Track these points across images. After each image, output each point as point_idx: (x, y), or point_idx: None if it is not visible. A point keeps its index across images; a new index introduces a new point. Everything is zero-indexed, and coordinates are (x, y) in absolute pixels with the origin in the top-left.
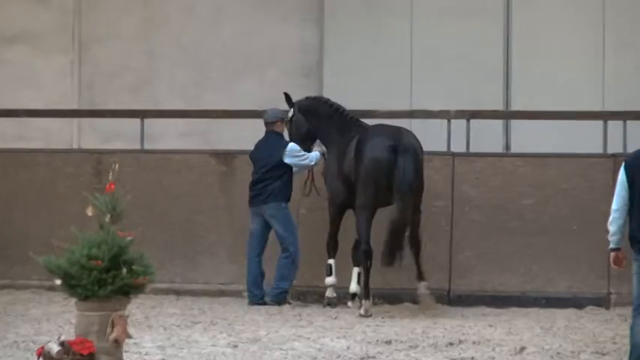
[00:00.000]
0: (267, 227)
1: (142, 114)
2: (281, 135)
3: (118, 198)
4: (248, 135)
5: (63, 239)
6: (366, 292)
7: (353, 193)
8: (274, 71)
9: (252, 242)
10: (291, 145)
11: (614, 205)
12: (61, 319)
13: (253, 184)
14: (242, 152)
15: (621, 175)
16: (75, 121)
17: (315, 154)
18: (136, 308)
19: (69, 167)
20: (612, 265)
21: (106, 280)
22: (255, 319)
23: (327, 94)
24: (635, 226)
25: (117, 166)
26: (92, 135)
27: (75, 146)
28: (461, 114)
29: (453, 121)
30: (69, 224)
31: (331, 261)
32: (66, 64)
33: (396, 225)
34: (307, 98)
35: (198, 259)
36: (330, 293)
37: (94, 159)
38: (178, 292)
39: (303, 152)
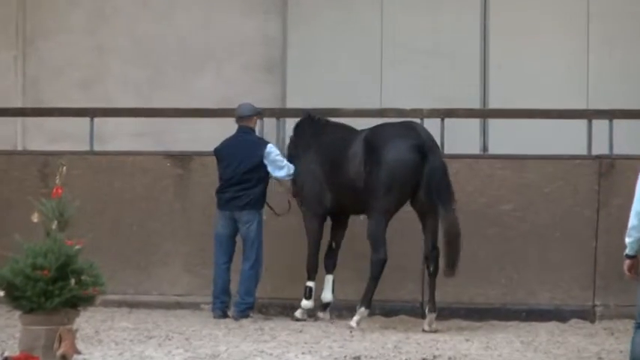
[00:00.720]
0: (236, 232)
1: (91, 113)
2: (255, 132)
3: (66, 203)
4: (205, 135)
5: (6, 248)
6: (367, 302)
7: (358, 199)
8: (234, 66)
9: (220, 248)
10: (271, 147)
11: (638, 208)
12: (3, 333)
13: (227, 185)
14: (199, 154)
15: None
16: (19, 120)
17: (291, 165)
18: (85, 322)
19: (13, 170)
20: (627, 273)
21: (53, 291)
22: (214, 334)
23: (291, 90)
24: None
25: (65, 168)
26: (38, 135)
27: (19, 147)
28: (435, 112)
29: (426, 120)
30: (12, 232)
31: (311, 283)
32: (9, 59)
33: (449, 232)
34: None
35: (153, 268)
36: (300, 315)
37: (40, 161)
38: (131, 305)
39: (282, 157)
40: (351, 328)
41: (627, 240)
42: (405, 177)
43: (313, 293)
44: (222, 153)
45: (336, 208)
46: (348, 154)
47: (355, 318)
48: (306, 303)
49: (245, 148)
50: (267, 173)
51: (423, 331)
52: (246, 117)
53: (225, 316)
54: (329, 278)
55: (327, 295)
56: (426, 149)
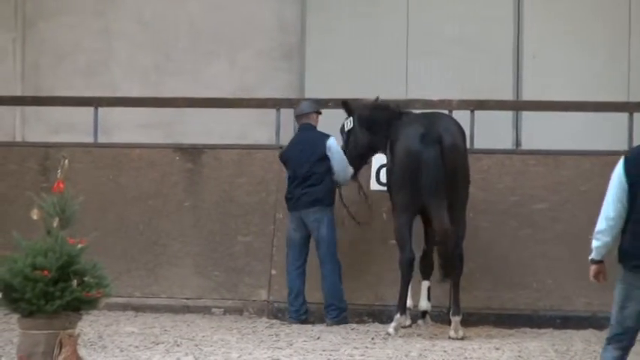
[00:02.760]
0: (308, 235)
1: (95, 102)
2: (316, 129)
3: (68, 199)
4: (218, 127)
5: (3, 246)
6: (401, 307)
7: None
8: (249, 53)
9: (293, 252)
10: (332, 140)
11: (609, 212)
12: (0, 338)
13: (294, 185)
14: (211, 147)
15: (619, 175)
16: (18, 109)
17: (350, 169)
18: (88, 326)
19: (11, 163)
20: (592, 279)
21: (54, 293)
22: (226, 340)
23: (310, 79)
24: (630, 239)
25: (67, 161)
26: (38, 126)
27: (18, 139)
28: (464, 104)
29: (455, 112)
30: (10, 229)
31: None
32: (7, 42)
33: (439, 234)
34: (366, 107)
35: (160, 270)
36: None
37: (40, 154)
38: (137, 308)
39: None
40: (388, 334)
41: (594, 244)
42: (413, 169)
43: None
44: (287, 155)
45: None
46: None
47: (392, 324)
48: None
49: (308, 145)
50: (331, 168)
51: (449, 338)
52: (306, 114)
53: (304, 322)
54: (425, 285)
55: (423, 304)
56: (426, 140)
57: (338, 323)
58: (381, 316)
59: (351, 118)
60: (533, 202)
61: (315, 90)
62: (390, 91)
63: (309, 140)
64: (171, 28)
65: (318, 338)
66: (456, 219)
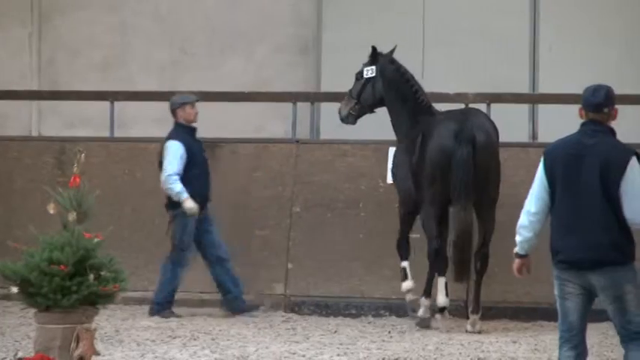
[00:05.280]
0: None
1: (111, 96)
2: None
3: (85, 193)
4: (234, 121)
5: (20, 240)
6: (427, 290)
7: (421, 190)
8: (265, 47)
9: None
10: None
11: (532, 208)
12: (17, 332)
13: None
14: (228, 141)
15: (540, 171)
16: (34, 103)
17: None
18: (104, 320)
19: (27, 157)
20: (516, 273)
21: (70, 287)
22: (243, 334)
23: (326, 72)
24: (557, 234)
25: (83, 156)
26: (54, 120)
27: (34, 133)
28: (480, 97)
29: (471, 105)
30: (27, 223)
31: (405, 263)
32: (23, 37)
33: (457, 236)
34: (393, 63)
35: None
36: (410, 297)
37: (56, 148)
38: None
39: None
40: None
41: (517, 238)
42: (444, 166)
43: (409, 273)
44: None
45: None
46: (415, 143)
47: (421, 309)
48: (405, 284)
49: None
50: None
51: (467, 331)
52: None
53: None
54: (442, 281)
55: (441, 300)
56: (459, 138)
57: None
58: (398, 310)
59: (374, 67)
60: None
61: (331, 84)
62: None
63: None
64: (187, 22)
65: (335, 332)
66: (485, 217)
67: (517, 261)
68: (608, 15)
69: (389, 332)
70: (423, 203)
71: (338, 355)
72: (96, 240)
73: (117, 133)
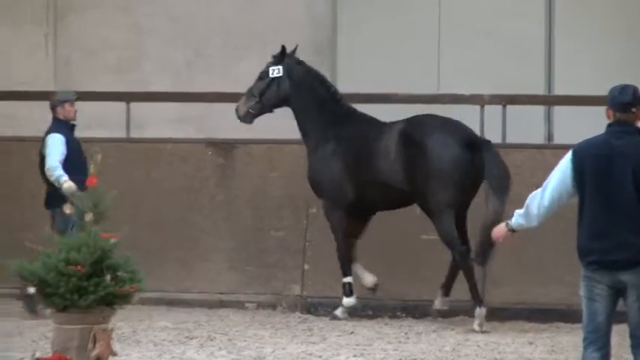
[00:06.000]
0: None
1: (127, 97)
2: None
3: (101, 194)
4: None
5: (37, 241)
6: (475, 296)
7: (390, 195)
8: (279, 48)
9: None
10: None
11: (545, 201)
12: (35, 332)
13: None
14: (243, 142)
15: (565, 169)
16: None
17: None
18: (121, 321)
19: None
20: (495, 237)
21: (87, 288)
22: (260, 334)
23: (341, 74)
24: (587, 235)
25: (99, 157)
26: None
27: None
28: (496, 99)
29: (487, 106)
30: (43, 224)
31: (348, 279)
32: (38, 36)
33: (490, 222)
34: (300, 64)
35: (193, 264)
36: (341, 313)
37: None
38: (170, 303)
39: None
40: (474, 331)
41: (520, 220)
42: (459, 173)
43: (353, 289)
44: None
45: (362, 202)
46: (374, 147)
47: (476, 321)
48: (348, 301)
49: None
50: None
51: (473, 331)
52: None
53: None
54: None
55: (368, 278)
56: (480, 143)
57: None
58: (415, 312)
59: (281, 67)
60: (568, 200)
61: (346, 85)
62: (421, 86)
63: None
64: (202, 24)
65: (352, 333)
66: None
67: (506, 231)
68: (622, 18)
69: (405, 333)
70: (437, 209)
71: (354, 356)
72: (113, 240)
73: (133, 134)
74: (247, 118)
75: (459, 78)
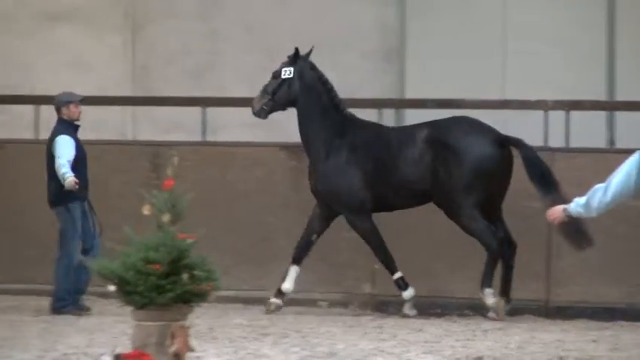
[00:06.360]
0: None
1: (203, 102)
2: None
3: (178, 196)
4: None
5: (117, 241)
6: (506, 289)
7: (411, 197)
8: (350, 55)
9: None
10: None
11: (607, 198)
12: (115, 329)
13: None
14: None
15: (632, 169)
16: (129, 109)
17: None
18: (198, 318)
19: (123, 161)
20: (550, 218)
21: (165, 286)
22: (332, 331)
23: (410, 80)
24: None
25: (176, 159)
26: (148, 125)
27: (129, 137)
28: (560, 104)
29: (550, 112)
30: (123, 224)
31: (397, 275)
32: (118, 45)
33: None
34: (312, 69)
35: (268, 264)
36: (408, 310)
37: (151, 152)
38: (245, 301)
39: None
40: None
41: (580, 209)
42: (491, 173)
43: (406, 281)
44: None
45: (384, 204)
46: (395, 153)
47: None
48: (407, 294)
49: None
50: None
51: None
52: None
53: None
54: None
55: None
56: (517, 142)
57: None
58: (482, 309)
59: (292, 69)
60: (628, 200)
61: (414, 90)
62: (487, 91)
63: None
64: (275, 30)
65: (421, 330)
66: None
67: (563, 215)
68: None
69: (473, 331)
70: (466, 210)
71: (424, 352)
72: (189, 241)
73: (208, 138)
74: (261, 113)
75: (524, 84)
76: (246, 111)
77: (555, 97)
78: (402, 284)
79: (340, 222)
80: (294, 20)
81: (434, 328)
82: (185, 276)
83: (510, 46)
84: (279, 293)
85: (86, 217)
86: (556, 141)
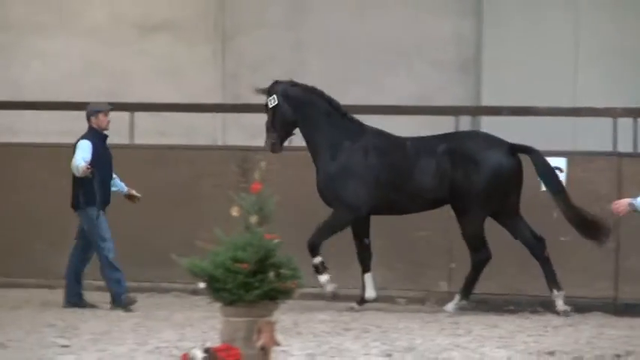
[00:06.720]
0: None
1: None
2: None
3: (265, 198)
4: (396, 132)
5: (207, 241)
6: (554, 280)
7: (422, 203)
8: (426, 64)
9: None
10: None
11: None
12: (205, 324)
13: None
14: None
15: None
16: (219, 116)
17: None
18: (284, 314)
19: (213, 165)
20: (615, 211)
21: (253, 284)
22: (410, 327)
23: (485, 89)
24: None
25: (264, 164)
26: (237, 131)
27: (219, 143)
28: (628, 112)
29: (619, 119)
30: (213, 225)
31: (317, 259)
32: (208, 54)
33: (578, 215)
34: (294, 85)
35: (349, 263)
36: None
37: (239, 156)
38: (328, 298)
39: None
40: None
41: None
42: (505, 181)
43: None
44: None
45: (385, 207)
46: (412, 161)
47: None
48: (322, 278)
49: None
50: None
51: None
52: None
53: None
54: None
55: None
56: (529, 151)
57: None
58: (553, 307)
59: (274, 96)
60: None
61: (489, 99)
62: (559, 100)
63: None
64: (356, 41)
65: (495, 326)
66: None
67: (627, 208)
68: None
69: (544, 327)
70: (473, 217)
71: (498, 347)
72: (275, 241)
73: (294, 144)
74: (274, 148)
75: (594, 93)
76: None
77: (624, 105)
78: (321, 268)
79: (417, 222)
80: (375, 31)
81: (507, 324)
82: (271, 274)
83: (581, 56)
84: (362, 301)
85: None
86: (624, 146)
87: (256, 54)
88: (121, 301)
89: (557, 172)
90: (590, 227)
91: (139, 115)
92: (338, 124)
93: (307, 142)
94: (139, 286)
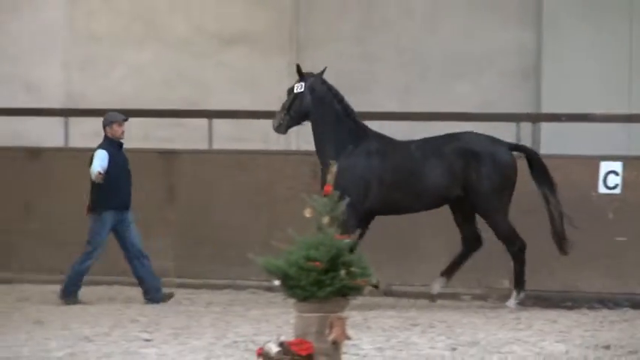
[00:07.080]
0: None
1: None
2: None
3: (336, 200)
4: None
5: (281, 240)
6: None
7: (431, 202)
8: (491, 73)
9: None
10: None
11: None
12: (279, 319)
13: None
14: None
15: None
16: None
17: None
18: (354, 310)
19: (288, 169)
20: None
21: (325, 281)
22: (474, 322)
23: (545, 97)
24: None
25: (335, 168)
26: (310, 137)
27: (293, 148)
28: None
29: None
30: (287, 226)
31: None
32: (283, 66)
33: (557, 216)
34: (323, 83)
35: (414, 262)
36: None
37: (312, 161)
38: (396, 295)
39: None
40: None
41: None
42: (514, 178)
43: None
44: None
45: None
46: (428, 161)
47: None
48: None
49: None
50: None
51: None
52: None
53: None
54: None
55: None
56: (526, 150)
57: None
58: (608, 303)
59: (303, 84)
60: None
61: (550, 107)
62: (613, 107)
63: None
64: (424, 52)
65: (555, 322)
66: None
67: None
68: None
69: (600, 322)
70: (493, 213)
71: (556, 341)
72: (346, 241)
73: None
74: (280, 129)
75: None
76: (396, 123)
77: None
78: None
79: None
80: (442, 42)
81: (566, 319)
82: (343, 272)
83: (635, 65)
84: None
85: (126, 226)
86: None
87: (328, 66)
88: (69, 294)
89: (613, 175)
90: (561, 236)
91: (218, 122)
92: (346, 128)
93: (315, 138)
94: (218, 283)
